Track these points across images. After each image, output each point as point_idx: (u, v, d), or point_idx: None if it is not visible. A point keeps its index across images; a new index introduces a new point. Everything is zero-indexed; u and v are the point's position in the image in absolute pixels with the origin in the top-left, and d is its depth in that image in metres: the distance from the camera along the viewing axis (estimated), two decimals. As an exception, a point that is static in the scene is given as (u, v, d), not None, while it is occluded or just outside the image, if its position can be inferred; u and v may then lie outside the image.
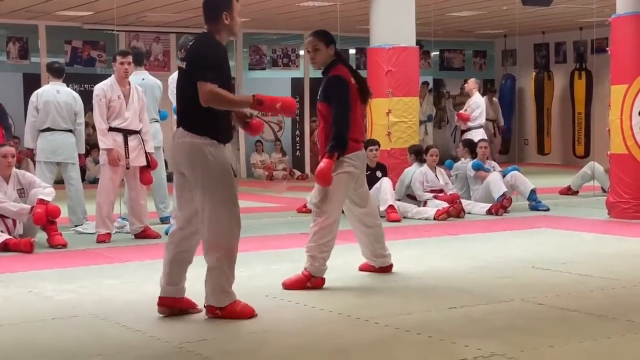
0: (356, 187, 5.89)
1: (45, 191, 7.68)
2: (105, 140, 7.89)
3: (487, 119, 17.56)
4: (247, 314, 4.82)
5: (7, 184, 7.70)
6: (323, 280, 5.70)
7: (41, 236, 7.71)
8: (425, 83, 17.33)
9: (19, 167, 8.50)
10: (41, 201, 7.58)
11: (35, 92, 9.08)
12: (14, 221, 7.66)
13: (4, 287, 5.90)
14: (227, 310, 4.80)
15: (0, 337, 4.56)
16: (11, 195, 7.67)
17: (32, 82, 14.12)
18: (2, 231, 7.53)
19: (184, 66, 4.85)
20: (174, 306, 4.91)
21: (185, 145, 4.72)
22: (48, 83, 9.23)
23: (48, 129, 8.81)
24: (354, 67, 6.28)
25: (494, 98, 17.62)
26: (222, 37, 4.85)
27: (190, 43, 4.96)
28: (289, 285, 5.64)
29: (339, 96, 5.65)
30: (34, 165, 9.27)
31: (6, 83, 14.29)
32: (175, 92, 8.35)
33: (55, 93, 8.90)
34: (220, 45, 4.83)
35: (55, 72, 9.10)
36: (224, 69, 4.79)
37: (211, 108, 4.66)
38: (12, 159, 7.75)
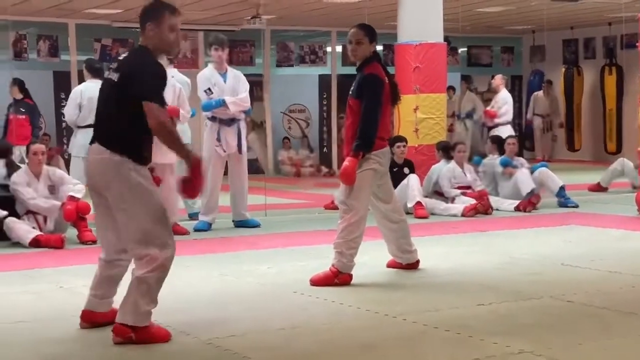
0: (381, 184, 5.90)
1: (76, 188, 7.75)
2: None
3: (537, 114, 17.57)
4: (164, 337, 4.35)
5: (38, 180, 7.79)
6: (350, 276, 5.72)
7: (71, 232, 7.79)
8: (466, 79, 17.26)
9: (49, 164, 8.59)
10: (72, 198, 7.66)
11: (77, 89, 9.09)
12: (45, 217, 7.75)
13: (35, 282, 5.98)
14: (141, 333, 4.30)
15: (31, 332, 4.63)
16: (42, 191, 7.76)
17: (62, 80, 14.26)
18: (33, 227, 7.62)
19: (114, 78, 4.35)
20: (97, 321, 4.58)
21: (105, 162, 4.32)
22: (83, 81, 9.27)
23: (90, 125, 8.83)
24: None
25: (550, 92, 17.50)
26: (155, 50, 4.41)
27: (125, 55, 4.50)
28: (316, 282, 5.67)
29: (373, 94, 5.66)
30: (66, 162, 9.34)
31: (37, 81, 14.40)
32: (203, 90, 8.46)
33: (98, 90, 8.92)
34: (158, 62, 4.40)
35: (95, 71, 9.13)
36: (163, 89, 4.38)
37: (136, 127, 4.29)
38: (42, 156, 7.83)
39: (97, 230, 4.63)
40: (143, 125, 4.28)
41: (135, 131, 4.32)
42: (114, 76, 4.37)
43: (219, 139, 8.39)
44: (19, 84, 12.41)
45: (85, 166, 4.53)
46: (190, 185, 4.44)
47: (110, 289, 4.61)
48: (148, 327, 4.34)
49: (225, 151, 8.40)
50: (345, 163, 5.68)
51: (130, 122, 4.30)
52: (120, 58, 4.47)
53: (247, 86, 8.58)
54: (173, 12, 4.46)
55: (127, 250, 4.41)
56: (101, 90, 4.53)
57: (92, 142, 4.46)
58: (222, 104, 8.32)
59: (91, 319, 4.60)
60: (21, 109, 12.25)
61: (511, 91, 15.84)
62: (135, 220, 4.29)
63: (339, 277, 5.67)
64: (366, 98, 5.68)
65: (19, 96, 12.36)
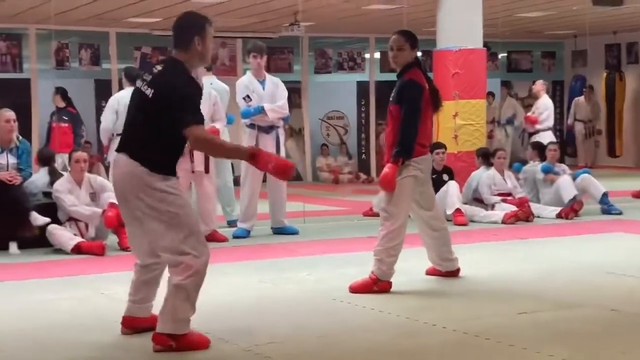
0: (422, 191, 5.86)
1: (117, 195, 7.81)
2: None
3: (578, 120, 17.39)
4: (204, 344, 4.37)
5: (80, 188, 7.86)
6: (390, 284, 5.69)
7: (112, 239, 7.85)
8: (506, 84, 17.14)
9: (90, 172, 8.67)
10: (112, 205, 7.70)
11: (115, 96, 9.17)
12: (87, 224, 7.82)
13: (77, 289, 6.03)
14: (181, 341, 4.30)
15: (72, 338, 4.66)
16: (84, 199, 7.83)
17: (103, 88, 14.41)
18: (75, 234, 7.70)
19: (148, 93, 4.31)
20: (138, 326, 4.60)
21: (133, 174, 4.30)
22: (122, 88, 9.35)
23: None
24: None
25: (592, 97, 17.31)
26: (192, 64, 4.44)
27: (160, 68, 4.41)
28: (356, 289, 5.64)
29: (411, 101, 5.63)
30: (106, 169, 9.42)
31: (79, 89, 14.58)
32: (241, 97, 8.48)
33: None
34: (192, 79, 4.41)
35: (134, 79, 9.17)
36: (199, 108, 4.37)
37: (168, 144, 4.31)
38: (84, 164, 7.91)
39: (129, 237, 4.65)
40: (175, 142, 4.32)
41: (167, 147, 4.34)
42: (148, 91, 4.33)
43: (257, 146, 8.40)
44: (61, 92, 12.57)
45: (113, 176, 4.51)
46: (277, 173, 4.39)
47: (149, 294, 4.63)
48: (188, 334, 4.33)
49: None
50: (385, 170, 5.66)
51: (162, 140, 4.30)
52: (155, 71, 4.41)
53: (285, 93, 8.60)
54: (211, 24, 4.48)
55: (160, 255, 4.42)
56: (132, 100, 4.50)
57: (119, 150, 4.45)
58: (261, 111, 8.34)
59: (132, 325, 4.62)
60: (64, 117, 12.42)
61: (552, 97, 15.69)
62: (167, 231, 4.29)
63: (378, 285, 5.64)
64: (405, 104, 5.66)
65: (62, 104, 12.52)
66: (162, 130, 4.29)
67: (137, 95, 4.46)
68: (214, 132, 7.88)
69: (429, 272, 6.20)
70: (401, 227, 5.67)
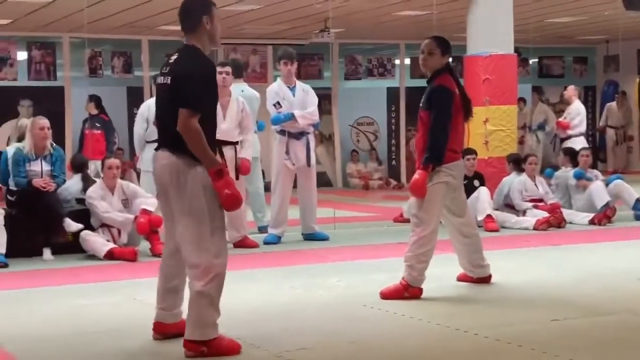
0: (454, 197, 5.85)
1: (149, 201, 7.87)
2: None
3: (610, 126, 17.23)
4: (235, 350, 4.37)
5: (113, 194, 7.93)
6: (421, 290, 5.68)
7: (144, 245, 7.91)
8: (537, 90, 17.04)
9: (122, 178, 8.74)
10: (145, 211, 7.78)
11: (145, 103, 9.21)
12: (119, 230, 7.88)
13: (109, 294, 6.08)
14: (212, 346, 4.31)
15: (106, 343, 4.71)
16: (116, 205, 7.90)
17: (135, 96, 14.53)
18: (107, 240, 7.76)
19: (168, 81, 4.38)
20: (168, 332, 4.63)
21: (172, 166, 4.33)
22: (153, 96, 9.40)
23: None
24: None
25: (625, 103, 17.14)
26: (204, 47, 4.45)
27: (175, 56, 4.46)
28: (386, 295, 5.64)
29: (441, 106, 5.62)
30: (137, 176, 9.48)
31: (111, 97, 14.72)
32: (272, 103, 8.51)
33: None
34: (210, 63, 4.46)
35: None
36: (212, 91, 4.41)
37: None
38: (117, 171, 7.98)
39: (165, 234, 4.67)
40: (203, 122, 4.30)
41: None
42: (168, 79, 4.38)
43: (287, 153, 8.44)
44: (95, 100, 12.70)
45: (154, 173, 4.53)
46: (226, 202, 4.31)
47: (175, 301, 4.64)
48: (218, 339, 4.34)
49: (294, 164, 8.44)
50: (415, 176, 5.66)
51: None
52: (171, 60, 4.46)
53: (315, 100, 8.62)
54: (216, 6, 4.50)
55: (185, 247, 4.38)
56: (157, 95, 4.57)
57: (157, 148, 4.49)
58: (291, 117, 8.37)
59: (162, 331, 4.66)
60: (96, 124, 12.54)
61: (584, 102, 15.55)
62: (195, 224, 4.29)
63: (409, 291, 5.63)
64: (435, 110, 5.65)
65: (95, 112, 12.65)
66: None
67: (159, 90, 4.52)
68: (244, 165, 7.93)
69: (460, 279, 6.19)
70: (432, 233, 5.66)
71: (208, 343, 4.32)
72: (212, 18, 4.44)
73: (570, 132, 12.17)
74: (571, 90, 12.51)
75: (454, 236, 6.03)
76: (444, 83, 5.70)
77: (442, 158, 5.62)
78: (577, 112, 12.26)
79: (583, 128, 12.32)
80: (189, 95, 4.27)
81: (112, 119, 13.22)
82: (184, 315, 4.53)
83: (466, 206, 6.06)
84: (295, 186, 8.69)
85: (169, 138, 4.39)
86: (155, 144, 4.50)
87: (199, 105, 4.29)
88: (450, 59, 5.89)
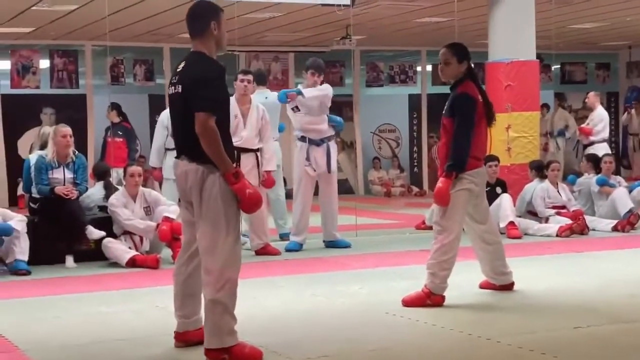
0: (476, 204, 5.82)
1: (171, 209, 7.89)
2: None
3: (631, 134, 17.07)
4: (257, 357, 4.36)
5: (135, 202, 7.96)
6: (443, 298, 5.65)
7: (167, 252, 7.93)
8: (558, 96, 16.93)
9: (145, 186, 8.77)
10: (166, 219, 7.80)
11: (166, 111, 9.25)
12: (141, 238, 7.91)
13: (132, 302, 6.10)
14: (234, 353, 4.30)
15: (129, 351, 4.72)
16: (138, 213, 7.93)
17: (157, 103, 14.60)
18: (129, 248, 7.79)
19: (179, 90, 4.41)
20: (190, 340, 4.62)
21: (192, 172, 4.36)
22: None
23: None
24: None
25: None
26: (211, 52, 4.47)
27: (183, 65, 4.49)
28: (408, 303, 5.62)
29: (464, 114, 5.60)
30: (159, 183, 9.50)
31: (133, 104, 14.81)
32: (290, 107, 8.51)
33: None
34: (219, 65, 4.45)
35: None
36: (223, 95, 4.43)
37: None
38: (139, 178, 8.01)
39: (183, 242, 4.68)
40: (218, 126, 4.32)
41: None
42: (179, 88, 4.41)
43: (308, 159, 8.44)
44: (116, 108, 12.77)
45: (176, 180, 4.57)
46: (249, 202, 4.36)
47: (195, 307, 4.62)
48: (239, 346, 4.33)
49: (315, 170, 8.43)
50: (438, 184, 5.64)
51: None
52: (180, 69, 4.48)
53: (329, 91, 8.54)
54: (223, 12, 4.53)
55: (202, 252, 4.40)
56: (170, 105, 4.61)
57: (177, 157, 4.52)
58: (299, 93, 8.37)
59: (184, 339, 4.65)
60: (119, 132, 12.61)
61: (607, 108, 15.46)
62: (211, 230, 4.31)
63: (431, 298, 5.61)
64: (457, 117, 5.63)
65: (117, 120, 12.72)
66: None
67: (171, 100, 4.54)
68: (269, 179, 7.98)
69: (483, 286, 6.15)
70: (455, 240, 5.63)
71: (229, 350, 4.31)
72: (220, 23, 4.47)
73: (593, 138, 12.10)
74: (593, 97, 12.45)
75: (476, 243, 6.00)
76: (467, 90, 5.68)
77: (464, 166, 5.60)
78: (600, 118, 12.19)
79: (606, 134, 12.26)
80: (203, 98, 4.29)
81: (133, 126, 13.29)
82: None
83: (488, 213, 6.03)
84: (317, 193, 8.68)
85: (187, 146, 4.42)
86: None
87: (214, 107, 4.31)
88: (472, 64, 5.85)
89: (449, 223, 5.61)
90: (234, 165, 4.40)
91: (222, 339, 4.31)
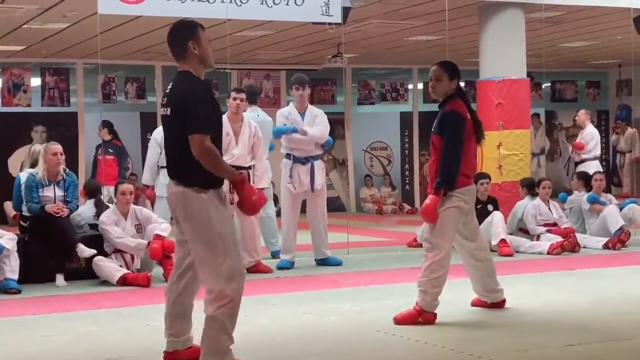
0: (466, 222, 5.83)
1: (162, 227, 7.88)
2: None
3: (618, 152, 17.10)
4: None
5: (126, 219, 7.94)
6: (435, 315, 5.64)
7: (158, 270, 7.91)
8: (536, 115, 17.01)
9: (136, 204, 8.75)
10: (158, 236, 7.78)
11: (158, 129, 9.25)
12: (132, 256, 7.89)
13: (123, 320, 6.08)
14: None
15: (119, 368, 4.70)
16: (129, 230, 7.91)
17: (148, 121, 14.61)
18: (120, 266, 7.76)
19: (168, 112, 4.43)
20: (179, 359, 4.61)
21: (179, 195, 4.38)
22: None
23: None
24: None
25: (629, 129, 17.01)
26: (197, 71, 4.46)
27: (170, 86, 4.51)
28: (400, 320, 5.61)
29: (452, 132, 5.62)
30: (151, 202, 9.48)
31: (124, 122, 14.80)
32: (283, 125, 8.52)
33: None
34: (205, 83, 4.49)
35: None
36: (214, 111, 4.41)
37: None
38: (130, 196, 8.00)
39: (175, 260, 4.68)
40: None
41: (197, 161, 4.31)
42: (167, 110, 4.43)
43: (291, 176, 8.44)
44: (108, 126, 12.76)
45: (168, 201, 4.59)
46: (242, 205, 4.44)
47: (184, 326, 4.61)
48: None
49: (295, 188, 8.42)
50: (427, 201, 5.65)
51: (191, 153, 4.30)
52: (167, 91, 4.50)
53: (324, 119, 8.56)
54: (203, 28, 4.51)
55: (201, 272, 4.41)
56: (162, 126, 4.65)
57: (169, 177, 4.55)
58: (293, 130, 8.37)
59: (173, 358, 4.61)
60: (109, 149, 12.59)
61: (597, 126, 15.51)
62: (208, 250, 4.30)
63: (423, 316, 5.60)
64: (446, 135, 5.64)
65: (108, 138, 12.71)
66: (188, 143, 4.30)
67: (163, 121, 4.59)
68: (261, 197, 7.93)
69: (475, 304, 6.15)
70: (445, 257, 5.63)
71: None
72: (200, 41, 4.45)
73: (584, 156, 12.10)
74: (583, 115, 12.44)
75: (466, 261, 6.00)
76: (455, 108, 5.69)
77: (453, 183, 5.61)
78: (591, 136, 12.19)
79: (597, 152, 12.26)
80: (194, 120, 4.28)
81: (125, 144, 13.28)
82: (195, 342, 4.51)
83: (478, 230, 6.03)
84: (303, 212, 8.67)
85: (175, 168, 4.45)
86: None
87: (207, 126, 4.31)
88: (462, 83, 5.87)
89: (439, 240, 5.62)
90: (240, 173, 4.44)
91: (216, 357, 4.28)
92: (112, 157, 12.57)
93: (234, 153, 7.92)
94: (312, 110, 8.68)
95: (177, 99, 4.39)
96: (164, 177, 8.97)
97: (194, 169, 4.32)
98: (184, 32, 4.47)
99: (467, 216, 5.80)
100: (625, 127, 16.97)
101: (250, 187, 4.43)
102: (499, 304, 6.07)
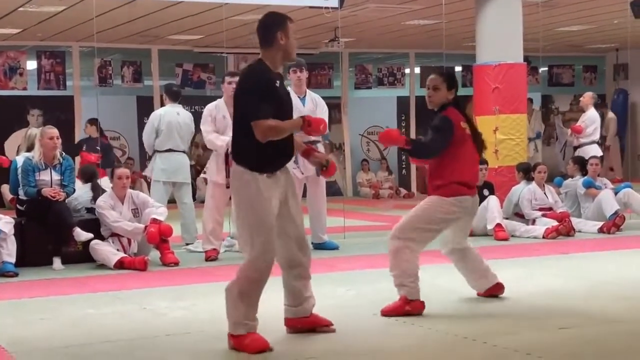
0: (457, 226, 5.65)
1: (159, 211, 7.89)
2: (216, 141, 7.95)
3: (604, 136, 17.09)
4: (254, 348, 4.51)
5: (122, 204, 7.95)
6: (422, 303, 5.45)
7: (154, 254, 7.93)
8: (529, 100, 17.00)
9: (132, 188, 8.76)
10: (154, 220, 7.79)
11: (156, 113, 9.23)
12: (129, 240, 7.90)
13: (120, 303, 6.10)
14: (236, 341, 4.59)
15: (115, 352, 4.72)
16: (126, 214, 7.92)
17: (145, 105, 14.60)
18: (117, 250, 7.78)
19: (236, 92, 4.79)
20: (298, 326, 4.91)
21: (235, 175, 4.69)
22: (163, 105, 9.42)
23: (169, 150, 9.00)
24: (459, 85, 6.17)
25: (609, 113, 16.99)
26: (276, 61, 4.72)
27: (242, 70, 4.89)
28: (387, 313, 5.43)
29: (439, 129, 5.51)
30: (148, 186, 9.50)
31: (121, 106, 14.80)
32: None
33: (176, 115, 9.05)
34: (269, 73, 4.67)
35: (174, 95, 9.25)
36: (274, 99, 4.62)
37: (249, 138, 4.57)
38: (126, 180, 8.00)
39: None
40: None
41: (249, 142, 4.56)
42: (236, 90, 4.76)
43: (296, 162, 8.43)
44: (95, 123, 12.68)
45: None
46: (311, 132, 4.81)
47: (297, 297, 4.88)
48: (245, 338, 4.53)
49: (302, 174, 8.44)
50: (392, 131, 5.77)
51: (245, 134, 4.57)
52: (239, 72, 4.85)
53: (325, 109, 8.61)
54: (292, 21, 4.76)
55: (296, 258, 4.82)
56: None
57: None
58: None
59: (291, 324, 4.93)
60: (96, 147, 12.32)
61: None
62: (242, 225, 4.63)
63: (410, 305, 5.42)
64: (432, 131, 5.54)
65: (96, 135, 12.63)
66: (243, 125, 4.58)
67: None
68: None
69: (479, 294, 6.02)
70: (409, 248, 5.50)
71: (234, 337, 4.56)
72: (287, 33, 4.69)
73: (583, 139, 12.03)
74: (588, 98, 12.25)
75: (452, 257, 5.88)
76: (447, 114, 5.58)
77: (417, 156, 5.71)
78: (591, 120, 12.08)
79: (596, 136, 12.16)
80: (251, 109, 4.54)
81: (121, 128, 13.24)
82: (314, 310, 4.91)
83: (466, 236, 5.90)
84: (304, 195, 8.68)
85: (233, 149, 4.74)
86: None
87: (262, 112, 4.53)
88: (459, 68, 5.84)
89: (412, 234, 5.51)
90: (300, 119, 4.74)
91: (230, 326, 4.59)
92: (95, 155, 12.22)
93: (231, 136, 7.91)
94: (312, 95, 8.67)
95: (240, 83, 4.74)
96: (160, 162, 8.99)
97: (247, 152, 4.60)
98: (274, 22, 4.72)
99: (457, 222, 5.60)
100: (607, 112, 16.93)
101: (316, 120, 4.74)
102: (495, 289, 5.97)
